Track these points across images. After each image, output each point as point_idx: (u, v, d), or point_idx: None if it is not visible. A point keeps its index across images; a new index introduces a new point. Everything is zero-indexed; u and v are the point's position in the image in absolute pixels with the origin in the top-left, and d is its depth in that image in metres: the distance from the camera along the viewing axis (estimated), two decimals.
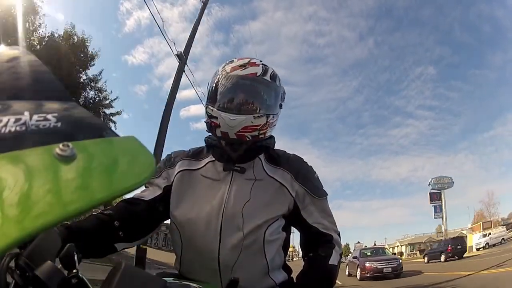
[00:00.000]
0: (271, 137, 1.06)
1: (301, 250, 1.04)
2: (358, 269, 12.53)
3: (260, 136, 0.96)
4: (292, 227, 1.03)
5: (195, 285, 0.62)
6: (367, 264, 11.92)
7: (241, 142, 0.96)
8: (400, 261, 12.32)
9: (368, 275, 11.74)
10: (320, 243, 0.97)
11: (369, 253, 14.10)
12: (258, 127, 0.94)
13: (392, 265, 11.63)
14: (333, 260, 0.94)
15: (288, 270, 1.02)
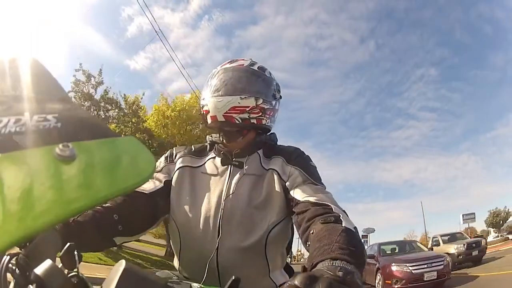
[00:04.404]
0: (272, 133, 1.06)
1: (304, 246, 0.82)
2: (379, 276, 7.59)
3: (252, 121, 0.96)
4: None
5: (196, 285, 0.62)
6: (395, 268, 7.11)
7: (230, 125, 0.96)
8: (448, 260, 7.43)
9: (397, 286, 6.95)
10: (319, 214, 0.77)
11: (393, 250, 9.08)
12: (247, 109, 0.94)
13: (437, 267, 6.88)
14: (349, 225, 0.71)
15: (289, 271, 1.01)
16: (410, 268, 6.96)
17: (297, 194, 0.86)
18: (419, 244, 9.74)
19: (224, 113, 0.93)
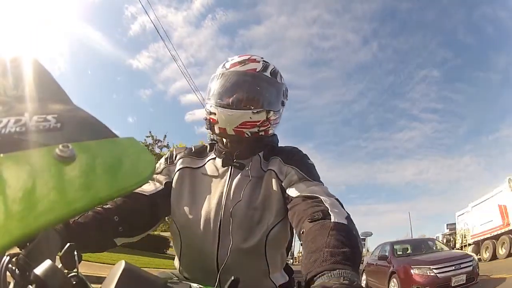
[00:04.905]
0: (274, 135, 1.05)
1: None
2: (394, 281, 6.35)
3: (260, 133, 0.94)
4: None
5: (196, 285, 0.62)
6: (416, 271, 5.81)
7: (240, 139, 0.94)
8: (476, 260, 6.28)
9: None
10: (308, 210, 0.75)
11: (408, 250, 7.44)
12: (258, 123, 0.92)
13: (465, 269, 5.73)
14: (338, 218, 0.68)
15: (289, 271, 1.01)
16: (435, 271, 5.63)
17: (292, 191, 0.85)
18: (438, 242, 7.97)
19: (235, 127, 0.91)
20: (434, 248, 7.44)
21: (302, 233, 0.71)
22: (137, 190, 0.92)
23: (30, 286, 0.41)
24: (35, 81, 0.41)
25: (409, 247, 7.57)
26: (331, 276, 0.51)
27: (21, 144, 0.34)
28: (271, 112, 0.95)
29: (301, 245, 0.72)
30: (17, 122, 0.35)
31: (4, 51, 0.44)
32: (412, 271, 5.91)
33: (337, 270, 0.52)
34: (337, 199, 0.79)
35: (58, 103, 0.40)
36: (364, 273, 8.29)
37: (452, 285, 5.54)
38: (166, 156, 1.04)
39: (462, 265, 5.78)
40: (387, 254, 7.31)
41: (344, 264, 0.53)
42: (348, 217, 0.71)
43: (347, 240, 0.60)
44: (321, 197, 0.77)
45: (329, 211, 0.71)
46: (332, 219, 0.67)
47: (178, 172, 0.98)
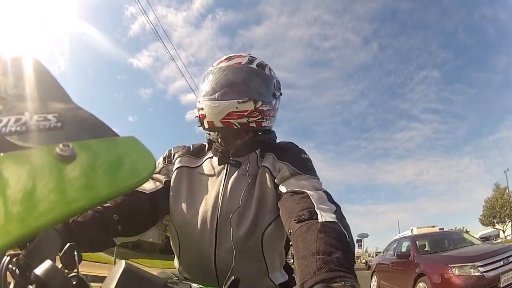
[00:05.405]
0: (271, 132, 1.03)
1: None
2: (424, 286, 4.88)
3: (251, 125, 0.93)
4: None
5: (196, 285, 0.62)
6: (456, 271, 4.42)
7: (232, 133, 0.94)
8: None
9: None
10: (294, 208, 0.74)
11: (426, 247, 6.01)
12: (246, 113, 0.90)
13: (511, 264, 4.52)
14: (326, 216, 0.66)
15: (289, 270, 1.00)
16: (481, 269, 4.30)
17: (282, 188, 0.83)
18: (466, 235, 6.50)
19: (222, 118, 0.89)
20: (464, 242, 6.02)
21: (290, 233, 0.69)
22: (137, 188, 0.91)
23: (30, 286, 0.41)
24: (36, 80, 0.41)
25: (427, 243, 6.15)
26: (330, 284, 0.50)
27: (21, 143, 0.33)
28: (260, 102, 0.93)
29: (291, 245, 0.70)
30: (18, 121, 0.35)
31: (4, 51, 0.44)
32: (451, 270, 4.48)
33: (338, 278, 0.51)
34: (325, 192, 0.77)
35: (59, 102, 0.40)
36: (374, 275, 7.20)
37: (501, 286, 4.27)
38: (164, 155, 1.03)
39: (511, 259, 4.54)
40: (407, 251, 5.95)
41: (340, 271, 0.52)
42: (336, 211, 0.69)
43: (338, 242, 0.59)
44: (308, 191, 0.75)
45: (316, 208, 0.69)
46: (319, 219, 0.65)
47: (176, 171, 0.97)
